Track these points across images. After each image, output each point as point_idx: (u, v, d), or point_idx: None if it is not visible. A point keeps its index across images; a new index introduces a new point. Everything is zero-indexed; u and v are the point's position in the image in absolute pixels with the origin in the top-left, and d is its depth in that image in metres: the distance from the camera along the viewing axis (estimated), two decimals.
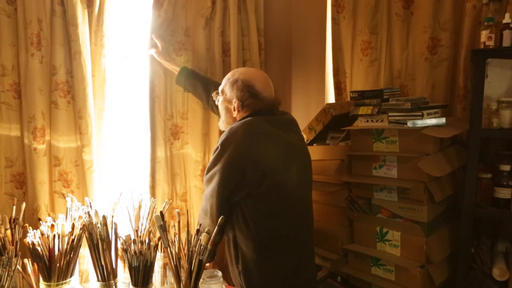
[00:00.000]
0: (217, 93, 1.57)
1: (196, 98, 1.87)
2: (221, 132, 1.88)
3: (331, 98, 2.30)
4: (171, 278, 1.38)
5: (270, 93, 1.49)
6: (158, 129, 1.87)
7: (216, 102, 1.60)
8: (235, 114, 1.49)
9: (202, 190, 1.93)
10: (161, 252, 1.32)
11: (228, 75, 1.53)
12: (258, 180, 1.35)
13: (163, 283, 1.38)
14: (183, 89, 1.86)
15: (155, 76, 1.84)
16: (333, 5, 2.16)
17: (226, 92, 1.51)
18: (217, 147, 1.38)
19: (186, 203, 1.95)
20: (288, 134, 1.48)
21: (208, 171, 1.41)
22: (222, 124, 1.57)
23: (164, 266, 1.37)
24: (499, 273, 1.55)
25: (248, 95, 1.45)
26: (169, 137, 1.89)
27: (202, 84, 1.79)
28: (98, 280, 1.17)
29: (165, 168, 1.89)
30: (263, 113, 1.46)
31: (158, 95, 1.86)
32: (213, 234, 1.10)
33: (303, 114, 2.35)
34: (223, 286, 1.25)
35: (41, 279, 1.16)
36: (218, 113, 1.74)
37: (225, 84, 1.52)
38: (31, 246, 1.11)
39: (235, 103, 1.47)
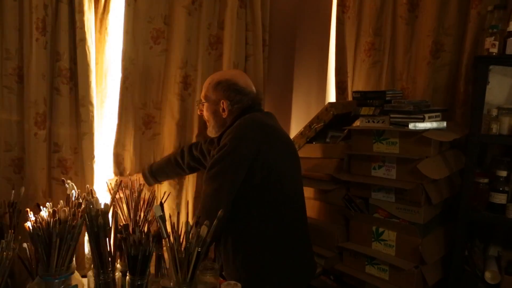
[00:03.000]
0: (201, 102, 1.59)
1: (175, 177, 1.88)
2: (200, 127, 1.89)
3: (332, 97, 2.31)
4: (164, 270, 1.39)
5: (252, 89, 1.55)
6: (130, 117, 1.82)
7: (198, 112, 1.62)
8: (224, 115, 1.51)
9: (176, 182, 1.93)
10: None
11: (208, 81, 1.57)
12: (265, 174, 1.36)
13: (157, 274, 1.39)
14: (156, 183, 1.84)
15: (129, 63, 1.78)
16: (338, 5, 2.17)
17: (210, 96, 1.54)
18: (225, 144, 1.36)
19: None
20: (281, 129, 1.52)
21: (212, 168, 1.38)
22: (212, 130, 1.57)
23: (157, 257, 1.38)
24: (491, 277, 1.57)
25: (234, 93, 1.49)
26: (140, 126, 1.84)
27: (170, 163, 1.81)
28: (97, 268, 1.17)
29: (134, 157, 1.85)
30: (253, 110, 1.49)
31: (132, 83, 1.79)
32: (212, 227, 1.10)
33: (304, 112, 2.37)
34: (219, 278, 1.26)
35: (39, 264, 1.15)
36: (198, 165, 1.79)
37: (208, 89, 1.55)
38: (31, 230, 1.10)
39: (223, 104, 1.50)
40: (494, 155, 1.74)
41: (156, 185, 1.89)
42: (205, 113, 1.58)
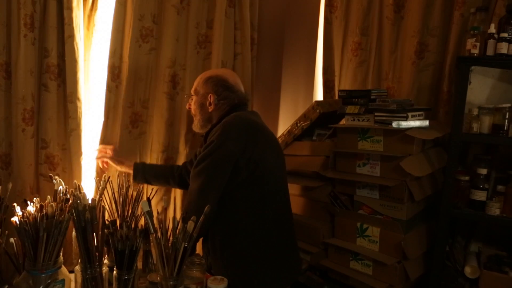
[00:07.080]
0: (190, 96, 1.62)
1: (162, 185, 1.86)
2: (188, 125, 1.89)
3: (319, 95, 2.34)
4: (151, 265, 1.40)
5: (241, 88, 1.60)
6: (116, 115, 1.81)
7: (187, 107, 1.65)
8: (210, 109, 1.54)
9: None
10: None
11: (200, 76, 1.61)
12: (251, 171, 1.38)
13: (144, 269, 1.40)
14: (143, 183, 1.77)
15: (118, 61, 1.78)
16: (326, 5, 2.20)
17: (199, 90, 1.58)
18: (212, 141, 1.38)
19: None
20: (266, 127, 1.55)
21: (199, 164, 1.40)
22: (198, 123, 1.60)
23: (145, 252, 1.39)
24: (471, 271, 1.62)
25: (222, 88, 1.53)
26: (127, 125, 1.83)
27: (163, 169, 1.81)
28: (84, 263, 1.18)
29: (119, 155, 1.82)
30: (239, 109, 1.53)
31: (121, 81, 1.80)
32: (199, 223, 1.12)
33: (291, 110, 2.40)
34: (205, 273, 1.28)
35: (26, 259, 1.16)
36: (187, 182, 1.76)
37: (198, 84, 1.59)
38: (18, 225, 1.11)
39: (210, 98, 1.53)
40: (475, 153, 1.78)
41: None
42: (192, 107, 1.61)
